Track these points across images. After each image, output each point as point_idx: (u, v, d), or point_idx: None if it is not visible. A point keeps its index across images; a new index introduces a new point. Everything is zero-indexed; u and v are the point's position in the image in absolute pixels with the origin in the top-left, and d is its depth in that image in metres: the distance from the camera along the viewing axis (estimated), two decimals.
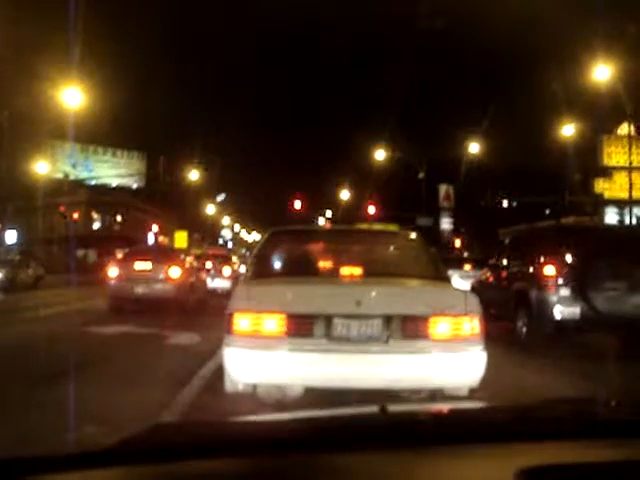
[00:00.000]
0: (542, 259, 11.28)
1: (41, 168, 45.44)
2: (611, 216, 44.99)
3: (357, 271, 6.33)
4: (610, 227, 26.90)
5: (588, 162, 44.50)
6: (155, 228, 61.77)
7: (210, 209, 78.94)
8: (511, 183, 45.64)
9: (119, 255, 25.76)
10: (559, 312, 10.54)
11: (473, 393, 5.51)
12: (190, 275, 18.06)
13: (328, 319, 5.34)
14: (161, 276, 16.91)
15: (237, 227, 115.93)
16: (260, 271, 6.66)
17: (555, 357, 9.77)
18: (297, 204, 48.29)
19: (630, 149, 35.45)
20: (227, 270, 25.83)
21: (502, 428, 2.01)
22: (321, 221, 63.00)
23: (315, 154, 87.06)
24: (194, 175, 60.03)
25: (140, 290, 16.55)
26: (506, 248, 14.67)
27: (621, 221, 42.38)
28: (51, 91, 35.56)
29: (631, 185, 34.01)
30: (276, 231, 7.67)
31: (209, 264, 25.44)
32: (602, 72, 31.26)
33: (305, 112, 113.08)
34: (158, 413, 5.82)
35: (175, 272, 17.01)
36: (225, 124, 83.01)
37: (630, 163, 35.01)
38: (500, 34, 36.09)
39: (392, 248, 7.70)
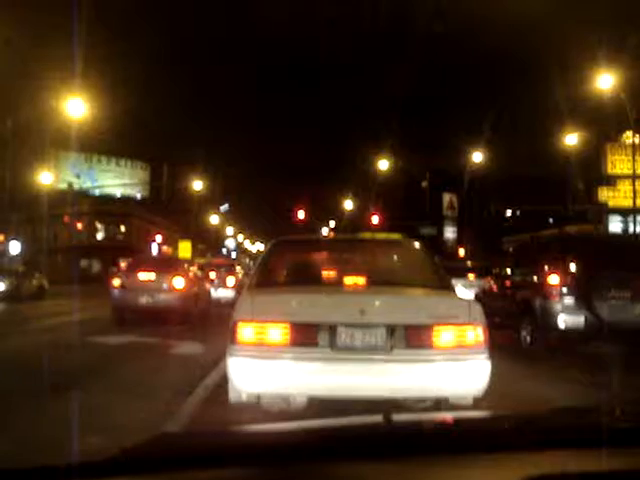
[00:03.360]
0: (546, 268, 11.27)
1: (45, 178, 45.50)
2: (615, 225, 44.87)
3: (361, 280, 6.32)
4: (614, 236, 26.87)
5: (592, 170, 44.43)
6: (159, 238, 61.81)
7: (214, 219, 78.97)
8: (514, 192, 45.68)
9: (123, 265, 25.76)
10: (563, 321, 10.52)
11: (477, 402, 5.50)
12: (194, 285, 18.05)
13: (332, 328, 5.33)
14: (165, 286, 16.90)
15: (241, 237, 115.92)
16: (264, 280, 6.66)
17: (559, 366, 9.75)
18: (301, 214, 48.28)
19: (634, 157, 35.36)
20: (231, 280, 25.79)
21: (506, 437, 2.01)
22: (325, 231, 62.98)
23: (319, 164, 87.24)
24: (198, 185, 60.10)
25: (144, 300, 16.53)
26: (510, 257, 14.66)
27: (625, 230, 42.27)
28: (55, 101, 35.68)
29: (635, 193, 33.91)
30: (280, 241, 7.68)
31: (213, 274, 25.42)
32: (606, 80, 31.27)
33: (309, 122, 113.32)
34: (162, 423, 5.82)
35: (179, 282, 17.00)
36: (228, 134, 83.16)
37: (634, 171, 34.92)
38: (504, 42, 36.21)
39: (396, 257, 7.69)
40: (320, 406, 5.38)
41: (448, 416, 3.00)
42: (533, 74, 48.00)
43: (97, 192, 65.74)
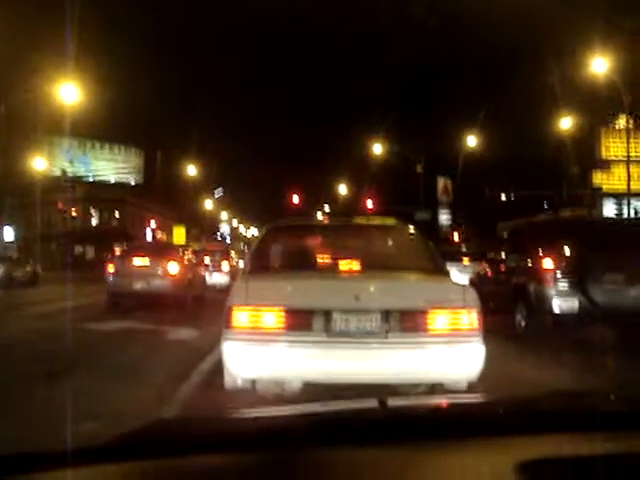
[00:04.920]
0: (540, 252, 11.29)
1: (38, 164, 45.34)
2: (609, 208, 44.97)
3: (355, 265, 6.33)
4: (608, 219, 26.91)
5: (586, 155, 44.49)
6: (153, 224, 61.72)
7: (208, 204, 78.81)
8: (509, 176, 45.65)
9: (117, 251, 25.74)
10: (557, 305, 10.55)
11: (472, 386, 5.51)
12: (188, 271, 18.05)
13: (327, 314, 5.34)
14: (159, 272, 16.90)
15: (235, 222, 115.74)
16: (259, 266, 6.66)
17: (553, 350, 9.77)
18: (295, 199, 48.25)
19: (628, 141, 35.40)
20: (226, 265, 25.79)
21: (501, 421, 2.01)
22: (319, 215, 62.92)
23: (313, 149, 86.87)
24: (192, 170, 60.05)
25: (138, 286, 16.54)
26: (505, 242, 14.68)
27: (619, 213, 42.36)
28: (48, 87, 35.48)
29: (629, 177, 34.01)
30: (274, 226, 7.68)
31: (207, 259, 25.41)
32: (600, 64, 31.25)
33: (303, 106, 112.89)
34: (158, 408, 5.83)
35: (173, 268, 17.00)
36: (223, 120, 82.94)
37: (628, 155, 34.97)
38: (497, 26, 36.04)
39: (390, 242, 7.69)
40: (315, 391, 5.38)
41: (443, 400, 3.00)
42: (528, 58, 47.88)
43: (91, 178, 65.59)
